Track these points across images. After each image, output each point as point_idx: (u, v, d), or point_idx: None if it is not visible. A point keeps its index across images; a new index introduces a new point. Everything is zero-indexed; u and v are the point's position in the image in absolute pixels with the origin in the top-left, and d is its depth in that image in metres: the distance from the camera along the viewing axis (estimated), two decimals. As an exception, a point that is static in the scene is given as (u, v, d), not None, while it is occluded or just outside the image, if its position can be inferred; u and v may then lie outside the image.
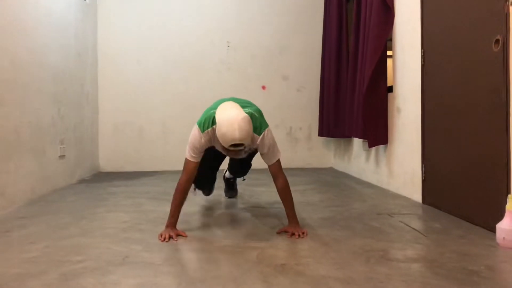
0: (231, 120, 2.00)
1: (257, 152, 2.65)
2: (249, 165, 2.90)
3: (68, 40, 4.15)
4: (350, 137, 4.44)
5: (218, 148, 2.32)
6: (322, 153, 5.40)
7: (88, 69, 4.76)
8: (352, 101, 4.09)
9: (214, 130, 2.16)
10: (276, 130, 5.17)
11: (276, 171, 2.27)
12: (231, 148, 2.05)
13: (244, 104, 2.28)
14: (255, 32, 5.28)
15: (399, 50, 3.39)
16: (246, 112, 2.12)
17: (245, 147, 2.08)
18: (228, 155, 2.30)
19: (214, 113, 2.17)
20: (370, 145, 3.68)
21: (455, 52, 2.60)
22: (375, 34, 3.46)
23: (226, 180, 3.27)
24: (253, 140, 2.17)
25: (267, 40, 5.30)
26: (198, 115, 2.36)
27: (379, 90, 3.55)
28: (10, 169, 2.95)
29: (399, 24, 3.38)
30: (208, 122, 2.19)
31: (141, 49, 5.15)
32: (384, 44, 3.44)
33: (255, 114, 2.21)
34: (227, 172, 3.19)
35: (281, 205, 2.34)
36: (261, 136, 2.19)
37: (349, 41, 4.33)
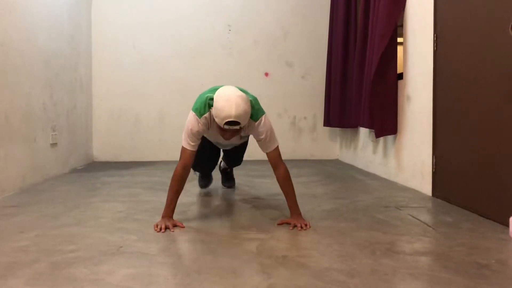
0: (229, 96, 2.06)
1: (247, 144, 2.83)
2: (243, 153, 3.00)
3: (61, 22, 4.14)
4: (357, 127, 4.43)
5: (212, 134, 2.33)
6: (328, 144, 5.40)
7: (82, 53, 4.76)
8: (359, 89, 4.07)
9: (210, 114, 2.20)
10: (279, 119, 5.19)
11: (276, 160, 2.29)
12: (227, 127, 2.06)
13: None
14: (258, 15, 5.25)
15: (410, 35, 3.37)
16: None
17: (240, 128, 2.10)
18: (224, 138, 2.27)
19: (209, 97, 2.20)
20: (377, 135, 3.67)
21: (469, 36, 2.59)
22: (385, 17, 3.43)
23: (222, 171, 3.36)
24: (250, 126, 2.23)
25: (271, 24, 5.27)
26: (197, 102, 2.35)
27: (388, 77, 3.53)
28: (-1, 156, 2.97)
29: (411, 6, 3.36)
30: (205, 107, 2.23)
31: (137, 33, 5.14)
32: (393, 27, 3.41)
33: (252, 100, 2.24)
34: (222, 163, 3.27)
35: (283, 197, 2.35)
36: (257, 121, 2.23)
37: (357, 26, 4.31)
